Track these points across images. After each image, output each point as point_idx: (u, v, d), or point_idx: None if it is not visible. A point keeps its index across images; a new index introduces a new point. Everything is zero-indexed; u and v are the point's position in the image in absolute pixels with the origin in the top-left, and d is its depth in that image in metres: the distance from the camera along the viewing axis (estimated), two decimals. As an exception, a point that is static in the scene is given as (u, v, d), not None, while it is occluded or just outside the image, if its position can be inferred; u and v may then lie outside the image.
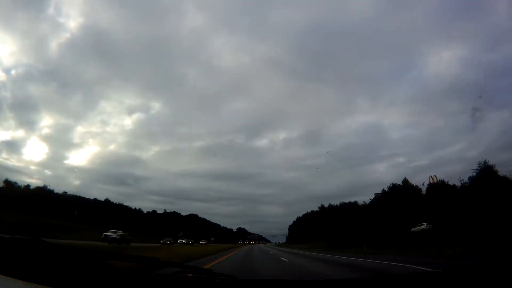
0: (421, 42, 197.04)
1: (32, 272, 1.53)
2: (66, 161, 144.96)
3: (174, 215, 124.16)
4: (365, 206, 69.49)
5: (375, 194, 68.60)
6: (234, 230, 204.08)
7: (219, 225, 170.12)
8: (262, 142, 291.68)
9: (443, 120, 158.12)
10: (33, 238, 1.74)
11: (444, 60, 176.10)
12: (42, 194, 65.95)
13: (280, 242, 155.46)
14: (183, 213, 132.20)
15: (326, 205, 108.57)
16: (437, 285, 1.39)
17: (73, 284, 1.50)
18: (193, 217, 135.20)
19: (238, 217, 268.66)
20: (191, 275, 1.73)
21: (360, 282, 1.58)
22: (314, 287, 1.68)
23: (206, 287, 1.58)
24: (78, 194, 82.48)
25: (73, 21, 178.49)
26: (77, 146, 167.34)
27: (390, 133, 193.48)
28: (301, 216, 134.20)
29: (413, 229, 40.39)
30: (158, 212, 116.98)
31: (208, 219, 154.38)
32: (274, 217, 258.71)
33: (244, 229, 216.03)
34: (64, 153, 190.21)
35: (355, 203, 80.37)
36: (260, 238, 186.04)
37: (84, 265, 1.70)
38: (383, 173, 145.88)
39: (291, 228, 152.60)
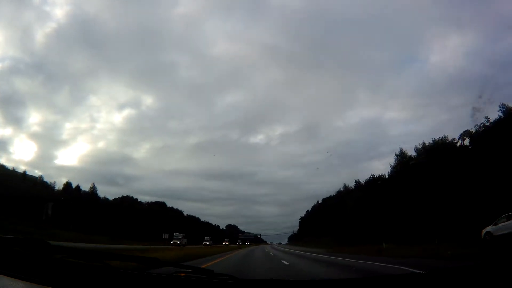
0: (424, 32, 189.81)
1: (32, 272, 1.53)
2: (54, 160, 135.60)
3: (127, 201, 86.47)
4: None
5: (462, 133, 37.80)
6: (223, 227, 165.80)
7: (197, 218, 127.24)
8: (258, 137, 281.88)
9: (446, 115, 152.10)
10: (33, 238, 1.75)
11: (448, 51, 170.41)
12: None
13: (283, 243, 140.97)
14: (142, 199, 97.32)
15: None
16: (425, 286, 1.40)
17: (73, 284, 1.51)
18: (158, 206, 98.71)
19: (233, 218, 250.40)
20: (191, 275, 1.73)
21: (358, 282, 1.59)
22: (314, 287, 1.69)
23: (206, 287, 1.58)
24: None
25: (59, 9, 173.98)
26: (65, 143, 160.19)
27: (390, 128, 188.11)
28: (320, 201, 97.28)
29: (488, 229, 19.44)
30: (83, 190, 78.53)
31: (180, 209, 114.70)
32: (270, 217, 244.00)
33: (236, 226, 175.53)
34: (52, 151, 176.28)
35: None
36: (256, 239, 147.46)
37: (84, 265, 1.71)
38: (382, 171, 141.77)
39: (303, 222, 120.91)
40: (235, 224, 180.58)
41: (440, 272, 1.39)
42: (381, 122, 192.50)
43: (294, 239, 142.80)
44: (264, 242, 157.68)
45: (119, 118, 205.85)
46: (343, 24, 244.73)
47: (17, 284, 1.47)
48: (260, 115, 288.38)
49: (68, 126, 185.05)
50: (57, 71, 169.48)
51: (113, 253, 2.04)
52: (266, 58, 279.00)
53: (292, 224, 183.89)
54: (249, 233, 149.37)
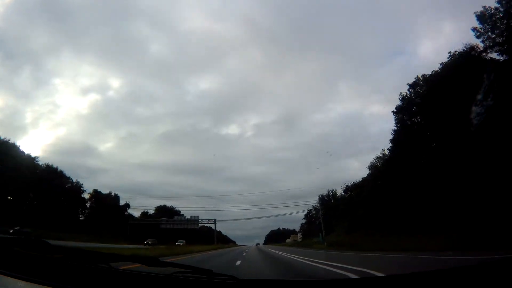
0: (413, 22, 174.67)
1: (32, 272, 1.54)
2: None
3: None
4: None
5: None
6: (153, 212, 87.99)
7: (97, 191, 72.36)
8: (230, 128, 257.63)
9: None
10: (34, 238, 1.76)
11: (438, 44, 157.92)
12: None
13: (261, 243, 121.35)
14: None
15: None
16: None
17: (73, 284, 1.51)
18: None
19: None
20: (190, 275, 1.74)
21: (357, 282, 1.59)
22: (314, 287, 1.69)
23: (206, 287, 1.58)
24: None
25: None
26: (24, 131, 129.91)
27: (372, 124, 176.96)
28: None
29: None
30: None
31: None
32: (242, 216, 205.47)
33: (178, 211, 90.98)
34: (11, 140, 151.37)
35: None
36: (209, 233, 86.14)
37: (84, 265, 1.71)
38: (362, 171, 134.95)
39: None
40: (176, 208, 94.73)
41: (431, 273, 1.39)
42: (363, 117, 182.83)
43: (273, 239, 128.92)
44: (233, 241, 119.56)
45: (84, 102, 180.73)
46: (331, 4, 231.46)
47: (17, 284, 1.48)
48: (235, 102, 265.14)
49: (29, 112, 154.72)
50: (18, 48, 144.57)
51: (113, 253, 2.05)
52: (245, 36, 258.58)
53: (267, 224, 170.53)
54: (194, 217, 72.81)
